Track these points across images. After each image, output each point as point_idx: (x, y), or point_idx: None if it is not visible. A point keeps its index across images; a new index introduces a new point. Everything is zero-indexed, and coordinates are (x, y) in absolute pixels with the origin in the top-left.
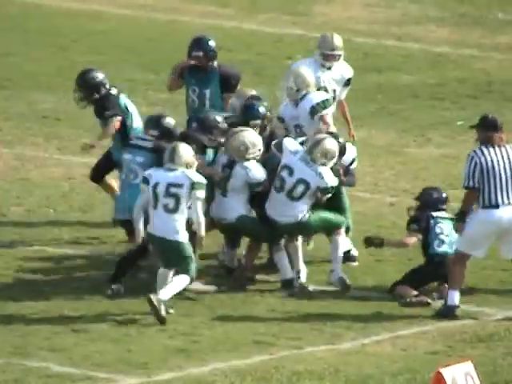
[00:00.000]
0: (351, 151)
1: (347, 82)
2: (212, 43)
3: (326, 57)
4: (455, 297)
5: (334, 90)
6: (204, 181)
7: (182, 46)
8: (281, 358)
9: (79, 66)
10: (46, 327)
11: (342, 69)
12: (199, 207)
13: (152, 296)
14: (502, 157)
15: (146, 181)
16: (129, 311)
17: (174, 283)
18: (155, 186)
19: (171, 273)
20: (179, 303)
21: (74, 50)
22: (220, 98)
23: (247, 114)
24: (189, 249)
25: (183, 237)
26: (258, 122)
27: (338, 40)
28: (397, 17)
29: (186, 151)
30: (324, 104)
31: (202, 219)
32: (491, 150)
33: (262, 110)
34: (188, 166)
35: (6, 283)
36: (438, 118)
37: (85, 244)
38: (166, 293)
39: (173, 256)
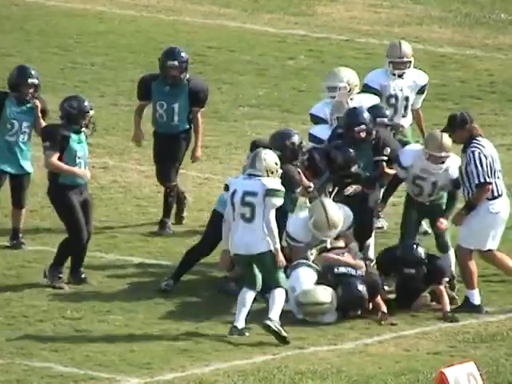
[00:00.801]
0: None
1: (421, 90)
2: (185, 54)
3: (395, 65)
4: (475, 296)
5: (407, 98)
6: (282, 188)
7: (185, 46)
8: (283, 358)
9: (81, 66)
10: (48, 327)
11: (416, 76)
12: (272, 215)
13: (269, 322)
14: (492, 147)
15: (227, 188)
16: (131, 311)
17: (277, 301)
18: (233, 194)
19: (252, 294)
20: (180, 303)
21: (77, 51)
22: (188, 112)
23: (351, 120)
24: (273, 258)
25: (265, 246)
26: (363, 127)
27: (406, 47)
28: (400, 17)
29: (269, 157)
30: None
31: (275, 228)
32: (484, 141)
33: (366, 115)
34: (269, 172)
35: (8, 283)
36: (441, 118)
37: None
38: (275, 314)
39: (260, 270)
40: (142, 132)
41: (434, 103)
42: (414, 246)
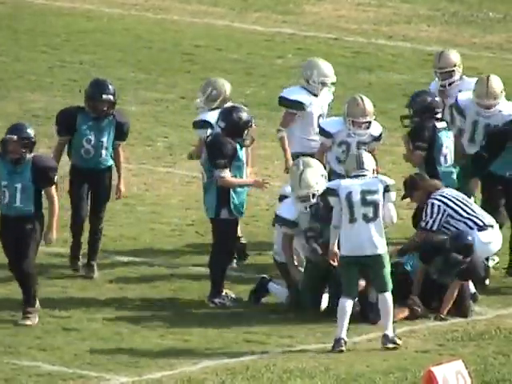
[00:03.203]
0: None
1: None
2: (113, 87)
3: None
4: None
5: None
6: (393, 182)
7: (173, 45)
8: (272, 357)
9: (70, 65)
10: (36, 326)
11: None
12: (393, 209)
13: (389, 345)
14: (454, 193)
15: (333, 193)
16: (119, 310)
17: (386, 312)
18: (349, 195)
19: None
20: (169, 302)
21: (65, 50)
22: (113, 146)
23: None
24: (388, 259)
25: (383, 248)
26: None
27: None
28: (387, 16)
29: (369, 157)
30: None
31: (395, 220)
32: (446, 191)
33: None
34: (373, 171)
35: None
36: None
37: None
38: (390, 326)
39: (371, 272)
40: None
41: None
42: (468, 233)
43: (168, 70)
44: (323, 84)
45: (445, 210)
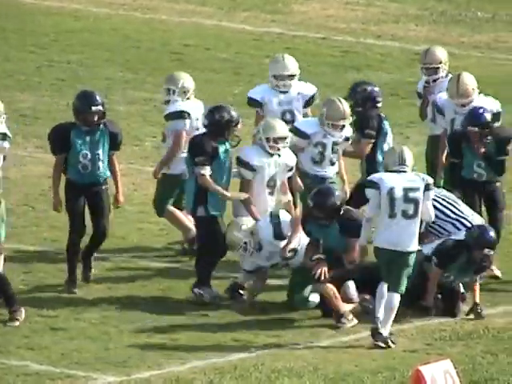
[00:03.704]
0: None
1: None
2: (100, 97)
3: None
4: None
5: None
6: (433, 180)
7: (161, 44)
8: (260, 356)
9: (58, 64)
10: (24, 326)
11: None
12: (431, 207)
13: (379, 343)
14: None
15: (374, 186)
16: (107, 309)
17: (389, 311)
18: (390, 191)
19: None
20: (156, 301)
21: (53, 49)
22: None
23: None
24: (416, 259)
25: (415, 246)
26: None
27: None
28: (376, 15)
29: (410, 153)
30: None
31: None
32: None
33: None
34: (412, 167)
35: None
36: (417, 116)
37: (64, 242)
38: (388, 326)
39: (395, 268)
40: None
41: (410, 101)
42: (491, 229)
43: (156, 70)
44: (277, 78)
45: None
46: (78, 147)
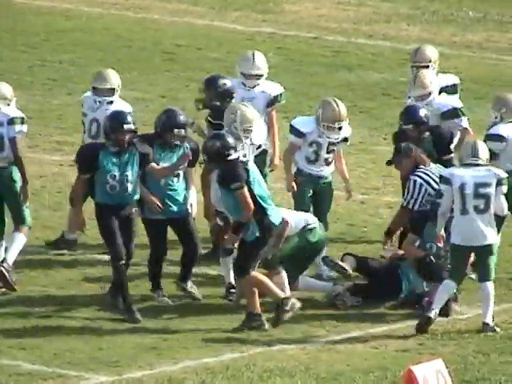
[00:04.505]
0: None
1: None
2: (131, 116)
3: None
4: None
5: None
6: (506, 175)
7: (153, 44)
8: (251, 356)
9: (50, 64)
10: (16, 325)
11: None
12: (504, 201)
13: (489, 327)
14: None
15: (447, 181)
16: (99, 309)
17: (487, 300)
18: (462, 187)
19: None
20: (148, 300)
21: (45, 49)
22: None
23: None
24: (497, 249)
25: (494, 238)
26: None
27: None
28: (367, 15)
29: (484, 146)
30: None
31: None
32: (432, 168)
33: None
34: (487, 160)
35: None
36: None
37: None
38: (489, 315)
39: (479, 260)
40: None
41: (402, 101)
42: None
43: (148, 69)
44: (245, 76)
45: (426, 189)
46: (107, 167)
